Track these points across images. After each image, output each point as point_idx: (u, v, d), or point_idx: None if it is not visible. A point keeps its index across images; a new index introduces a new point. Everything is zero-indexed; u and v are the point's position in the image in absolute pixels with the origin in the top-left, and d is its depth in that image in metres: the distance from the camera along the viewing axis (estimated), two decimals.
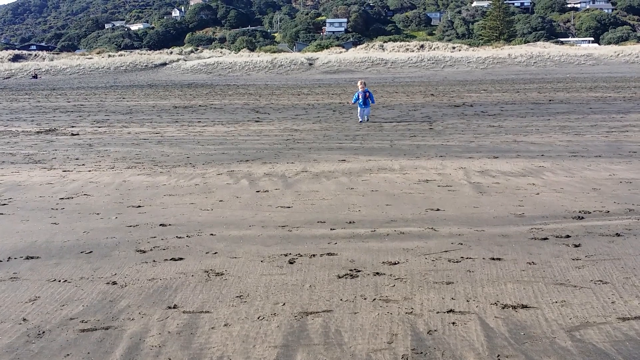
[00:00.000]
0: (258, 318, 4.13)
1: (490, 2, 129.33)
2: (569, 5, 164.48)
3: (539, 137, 13.96)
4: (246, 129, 16.77)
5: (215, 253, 5.61)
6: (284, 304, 4.36)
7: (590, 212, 6.96)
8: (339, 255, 5.46)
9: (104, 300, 4.48)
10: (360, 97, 17.49)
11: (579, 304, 4.31)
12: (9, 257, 5.58)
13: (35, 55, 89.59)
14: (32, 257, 5.56)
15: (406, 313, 4.17)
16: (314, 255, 5.49)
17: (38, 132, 16.88)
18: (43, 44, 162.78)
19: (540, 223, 6.53)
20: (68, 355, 3.65)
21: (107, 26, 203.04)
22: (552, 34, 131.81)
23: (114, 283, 4.84)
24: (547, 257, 5.35)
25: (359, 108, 17.76)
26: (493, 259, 5.30)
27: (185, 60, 74.92)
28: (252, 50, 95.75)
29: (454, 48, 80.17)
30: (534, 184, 8.67)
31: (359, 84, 17.75)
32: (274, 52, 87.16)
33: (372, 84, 40.47)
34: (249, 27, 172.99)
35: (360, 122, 17.53)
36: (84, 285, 4.80)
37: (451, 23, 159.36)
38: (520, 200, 7.63)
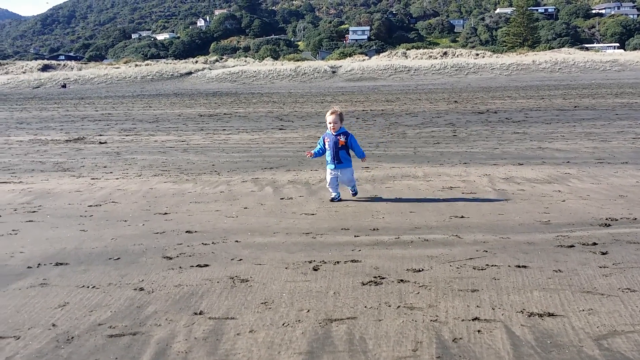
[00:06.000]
0: (283, 325, 4.15)
1: (514, 8, 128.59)
2: (593, 11, 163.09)
3: (565, 143, 13.83)
4: (270, 136, 16.85)
5: (240, 260, 5.65)
6: (308, 311, 4.38)
7: (617, 220, 6.88)
8: (362, 262, 5.47)
9: (132, 306, 4.54)
10: (327, 146, 8.30)
11: (607, 312, 4.26)
12: (39, 264, 5.66)
13: (64, 65, 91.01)
14: (61, 264, 5.64)
15: (431, 321, 4.16)
16: (338, 262, 5.50)
17: (67, 140, 17.11)
18: (71, 54, 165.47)
19: (566, 230, 6.48)
20: None
21: (133, 36, 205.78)
22: (577, 40, 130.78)
23: (142, 289, 4.89)
24: (573, 264, 5.31)
25: (327, 168, 8.36)
26: (519, 266, 5.27)
27: (210, 69, 75.53)
28: (276, 58, 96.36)
29: (477, 55, 79.85)
30: (559, 191, 8.60)
31: (328, 116, 8.27)
32: (298, 60, 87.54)
33: (395, 91, 40.35)
34: (272, 36, 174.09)
35: (333, 198, 8.31)
36: (112, 291, 4.86)
37: (474, 30, 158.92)
38: (546, 208, 7.57)
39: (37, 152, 14.76)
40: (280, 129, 18.69)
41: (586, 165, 10.88)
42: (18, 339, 4.01)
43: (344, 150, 8.24)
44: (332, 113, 8.25)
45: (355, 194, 8.51)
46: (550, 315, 4.23)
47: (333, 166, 8.22)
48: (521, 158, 11.82)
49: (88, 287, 4.99)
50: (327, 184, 8.40)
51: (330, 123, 8.21)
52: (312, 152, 8.46)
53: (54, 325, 4.23)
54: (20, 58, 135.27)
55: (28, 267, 5.56)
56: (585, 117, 19.94)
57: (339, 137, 8.23)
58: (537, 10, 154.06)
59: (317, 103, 31.15)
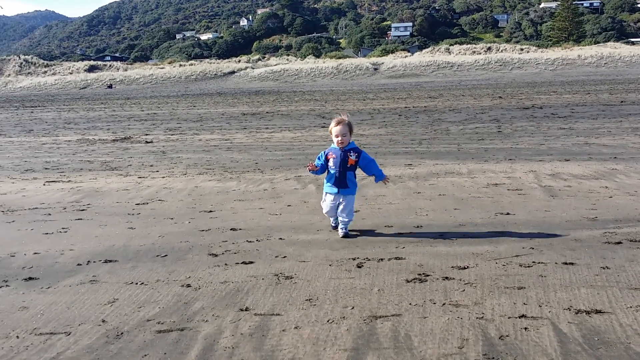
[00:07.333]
0: (328, 321, 4.17)
1: (559, 2, 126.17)
2: (639, 5, 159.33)
3: (611, 139, 13.55)
4: (312, 134, 16.90)
5: (285, 257, 5.69)
6: (353, 308, 4.39)
7: None
8: (407, 260, 5.45)
9: (179, 302, 4.61)
10: (330, 163, 6.29)
11: None
12: (89, 261, 5.78)
13: (110, 65, 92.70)
14: (110, 261, 5.76)
15: (477, 318, 4.13)
16: (381, 259, 5.49)
17: (114, 140, 17.45)
18: (117, 54, 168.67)
19: (613, 227, 6.35)
20: (145, 355, 3.76)
21: (178, 36, 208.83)
22: (623, 34, 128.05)
23: (188, 285, 4.97)
24: (621, 261, 5.21)
25: (325, 190, 6.48)
26: (566, 263, 5.19)
27: (253, 68, 76.09)
28: (317, 56, 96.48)
29: (522, 50, 78.65)
30: (606, 187, 8.44)
31: (334, 127, 6.20)
32: (339, 58, 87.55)
33: (438, 88, 40.01)
34: (314, 34, 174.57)
35: (336, 226, 6.58)
36: (160, 288, 4.95)
37: (519, 24, 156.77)
38: (593, 204, 7.44)
39: (85, 151, 15.08)
40: (323, 127, 18.72)
41: (633, 160, 10.64)
42: (69, 335, 4.09)
43: (352, 172, 6.33)
44: (338, 122, 6.20)
45: (345, 235, 6.35)
46: (598, 312, 4.16)
47: (336, 190, 6.30)
48: (567, 154, 11.62)
49: (136, 283, 5.08)
50: (325, 212, 6.54)
51: (337, 136, 6.19)
52: (314, 163, 6.39)
53: (103, 321, 4.31)
54: (67, 59, 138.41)
55: (78, 264, 5.69)
56: (632, 112, 19.49)
57: (348, 153, 6.23)
58: (582, 4, 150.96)
59: (359, 100, 31.11)
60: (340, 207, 6.31)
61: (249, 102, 33.44)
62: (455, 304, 4.39)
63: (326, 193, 6.42)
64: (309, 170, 6.35)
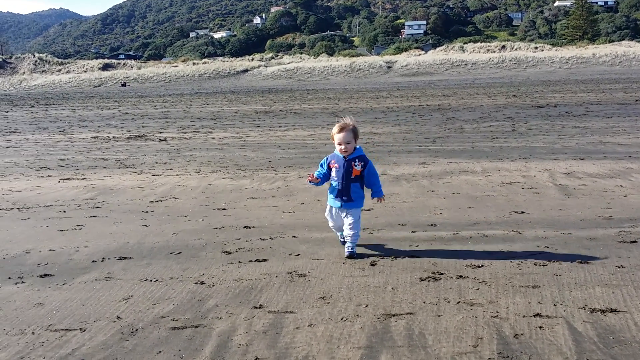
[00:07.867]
0: (341, 319, 4.17)
1: (574, 1, 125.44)
2: None
3: (626, 138, 13.45)
4: (326, 132, 16.88)
5: (298, 255, 5.69)
6: (366, 306, 4.38)
7: None
8: (421, 258, 5.44)
9: (193, 300, 4.63)
10: (333, 173, 5.57)
11: None
12: (103, 258, 5.81)
13: (124, 64, 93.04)
14: (124, 258, 5.79)
15: (491, 317, 4.11)
16: (395, 257, 5.49)
17: (128, 138, 17.52)
18: (131, 52, 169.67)
19: (628, 226, 6.31)
20: (160, 352, 3.78)
21: (191, 35, 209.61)
22: (637, 33, 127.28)
23: (202, 283, 4.98)
24: (636, 260, 5.17)
25: (328, 202, 5.72)
26: (580, 262, 5.16)
27: (266, 67, 76.21)
28: (330, 55, 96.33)
29: (536, 48, 78.23)
30: (621, 186, 8.38)
31: (337, 133, 5.44)
32: (353, 56, 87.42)
33: (452, 86, 39.89)
34: (328, 32, 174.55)
35: (343, 242, 5.80)
36: (174, 285, 4.97)
37: (533, 23, 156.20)
38: (608, 203, 7.39)
39: (100, 149, 15.16)
40: None
41: None
42: (84, 331, 4.12)
43: (358, 183, 5.58)
44: (342, 129, 5.45)
45: (352, 253, 5.58)
46: (613, 311, 4.14)
47: (339, 204, 5.59)
48: (582, 153, 11.55)
49: (151, 280, 5.11)
50: (331, 226, 5.88)
51: (340, 144, 5.47)
52: (315, 174, 5.68)
53: (118, 317, 4.34)
54: (81, 57, 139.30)
55: (92, 261, 5.72)
56: None
57: (353, 163, 5.51)
58: (596, 3, 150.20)
59: (372, 99, 31.06)
60: (345, 221, 5.61)
61: (262, 101, 33.48)
62: (469, 302, 4.38)
63: (329, 206, 5.73)
64: (309, 182, 5.72)
